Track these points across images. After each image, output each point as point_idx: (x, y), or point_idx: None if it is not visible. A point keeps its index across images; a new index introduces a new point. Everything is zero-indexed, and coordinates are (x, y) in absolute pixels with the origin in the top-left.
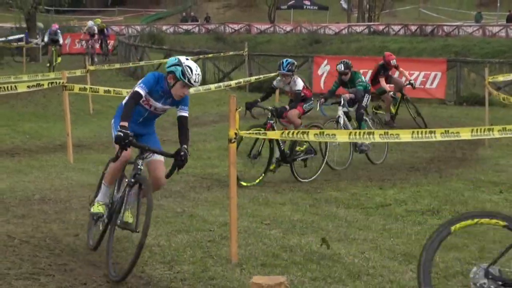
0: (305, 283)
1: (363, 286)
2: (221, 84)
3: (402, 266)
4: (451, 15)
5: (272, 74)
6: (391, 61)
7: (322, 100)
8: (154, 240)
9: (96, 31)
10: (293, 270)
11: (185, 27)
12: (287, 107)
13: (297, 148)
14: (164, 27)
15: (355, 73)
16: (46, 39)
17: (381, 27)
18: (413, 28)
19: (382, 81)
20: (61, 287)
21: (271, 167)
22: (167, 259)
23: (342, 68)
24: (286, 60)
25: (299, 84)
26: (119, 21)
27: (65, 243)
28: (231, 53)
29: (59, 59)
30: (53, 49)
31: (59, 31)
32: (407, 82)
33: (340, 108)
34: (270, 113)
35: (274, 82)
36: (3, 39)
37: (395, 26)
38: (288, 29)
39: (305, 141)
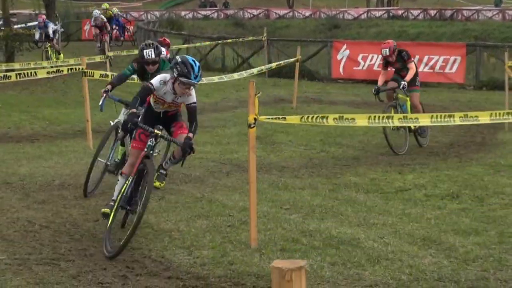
0: (324, 267)
1: (383, 270)
2: (243, 72)
3: (422, 250)
4: None
5: (291, 60)
6: (382, 51)
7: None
8: (173, 225)
9: (105, 20)
10: (312, 255)
11: (203, 12)
12: (191, 135)
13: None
14: (183, 13)
15: (163, 63)
16: (36, 36)
17: (400, 12)
18: (432, 12)
19: (381, 74)
20: (81, 272)
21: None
22: (186, 244)
23: (152, 55)
24: (196, 64)
25: (194, 95)
26: (138, 7)
27: (85, 228)
28: (250, 38)
29: (62, 56)
30: (47, 46)
31: (49, 22)
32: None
33: (124, 111)
34: (161, 139)
35: (156, 83)
36: (22, 25)
37: (414, 10)
38: (307, 14)
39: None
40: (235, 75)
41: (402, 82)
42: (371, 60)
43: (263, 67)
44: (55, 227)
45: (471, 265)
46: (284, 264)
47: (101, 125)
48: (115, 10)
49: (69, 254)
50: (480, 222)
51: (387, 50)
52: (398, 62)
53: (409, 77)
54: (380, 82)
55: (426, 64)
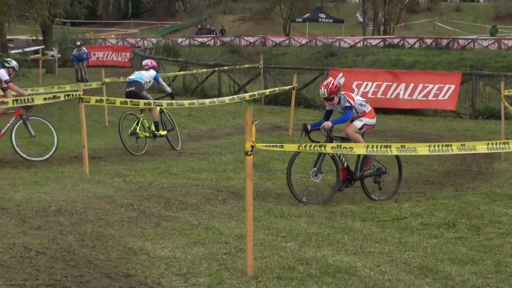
0: None
1: None
2: (235, 96)
3: (418, 279)
4: (466, 29)
5: (287, 87)
6: None
7: None
8: (170, 252)
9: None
10: (309, 283)
11: (200, 39)
12: None
13: None
14: (180, 40)
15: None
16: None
17: (396, 40)
18: (428, 41)
19: None
20: None
21: None
22: (183, 271)
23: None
24: None
25: None
26: (134, 33)
27: (81, 255)
28: (246, 65)
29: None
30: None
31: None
32: None
33: None
34: None
35: None
36: (19, 51)
37: (410, 39)
38: (303, 42)
39: None
40: (227, 99)
41: None
42: (365, 87)
43: (255, 93)
44: (51, 253)
45: None
46: None
47: (97, 151)
48: None
49: (65, 280)
50: (476, 251)
51: None
52: None
53: None
54: None
55: (420, 92)
